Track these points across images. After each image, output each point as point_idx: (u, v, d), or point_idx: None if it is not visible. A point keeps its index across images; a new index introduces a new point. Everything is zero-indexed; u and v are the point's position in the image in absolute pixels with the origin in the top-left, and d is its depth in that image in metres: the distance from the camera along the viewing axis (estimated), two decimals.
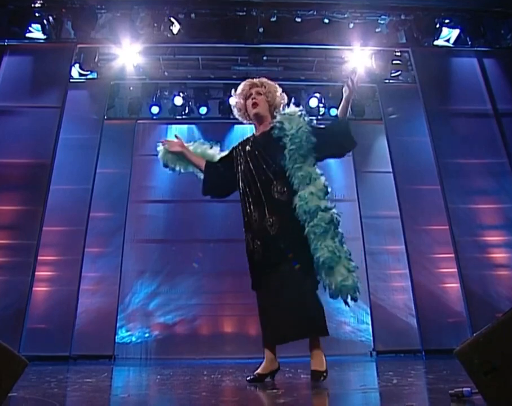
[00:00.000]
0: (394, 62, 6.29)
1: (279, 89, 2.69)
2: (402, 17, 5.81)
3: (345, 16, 5.72)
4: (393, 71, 6.42)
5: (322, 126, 2.58)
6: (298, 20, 5.72)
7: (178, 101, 6.98)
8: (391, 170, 5.99)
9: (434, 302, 5.39)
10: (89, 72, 6.27)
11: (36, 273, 4.82)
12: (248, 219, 2.51)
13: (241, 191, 2.55)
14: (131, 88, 7.04)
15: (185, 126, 7.22)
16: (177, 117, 7.17)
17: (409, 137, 6.10)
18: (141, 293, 6.18)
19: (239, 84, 2.74)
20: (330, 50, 6.38)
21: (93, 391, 2.25)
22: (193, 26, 5.74)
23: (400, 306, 5.99)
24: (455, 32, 5.95)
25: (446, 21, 5.86)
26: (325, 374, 2.26)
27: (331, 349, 5.83)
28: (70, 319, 5.20)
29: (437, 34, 5.89)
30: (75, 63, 5.96)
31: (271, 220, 2.38)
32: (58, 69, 5.51)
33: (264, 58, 6.22)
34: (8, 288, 4.66)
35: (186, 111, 7.14)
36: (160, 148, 2.81)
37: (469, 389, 1.52)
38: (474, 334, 1.40)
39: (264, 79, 2.68)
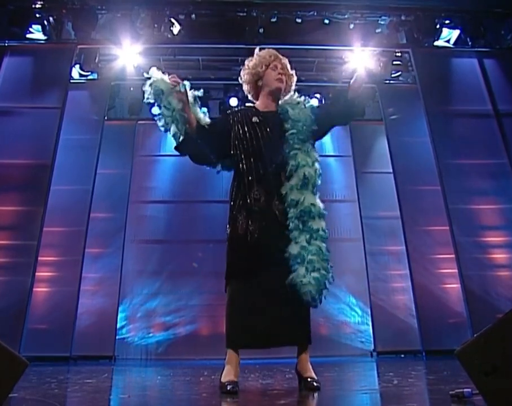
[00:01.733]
0: (394, 62, 6.29)
1: (294, 79, 2.49)
2: (403, 17, 5.82)
3: (346, 16, 5.72)
4: (393, 72, 6.42)
5: (325, 103, 2.48)
6: (298, 20, 5.73)
7: None
8: (391, 171, 5.99)
9: (434, 303, 5.38)
10: (89, 73, 6.27)
11: (36, 273, 4.83)
12: (246, 194, 2.20)
13: (243, 164, 2.25)
14: (132, 89, 7.03)
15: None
16: None
17: (410, 138, 6.10)
18: (141, 294, 6.18)
19: (239, 84, 2.62)
20: (330, 51, 6.38)
21: (93, 391, 2.25)
22: (193, 27, 5.74)
23: (401, 307, 5.99)
24: (455, 33, 5.95)
25: (447, 21, 5.86)
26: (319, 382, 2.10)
27: (331, 350, 5.88)
28: (70, 320, 5.20)
29: (437, 34, 5.89)
30: (75, 64, 5.97)
31: (280, 206, 2.19)
32: (59, 70, 5.51)
33: None
34: (8, 289, 4.66)
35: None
36: (160, 77, 2.28)
37: (469, 390, 1.52)
38: (475, 335, 1.40)
39: (287, 62, 2.46)
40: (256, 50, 2.48)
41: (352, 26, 5.74)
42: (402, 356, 5.64)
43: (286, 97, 2.45)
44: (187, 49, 6.37)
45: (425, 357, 5.15)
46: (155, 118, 2.33)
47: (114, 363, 5.35)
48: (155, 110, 2.36)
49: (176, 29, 5.59)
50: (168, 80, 2.24)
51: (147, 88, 2.28)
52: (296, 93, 2.47)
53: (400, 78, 6.56)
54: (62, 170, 5.37)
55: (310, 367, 2.15)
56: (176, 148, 2.32)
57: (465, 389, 1.54)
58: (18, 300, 4.61)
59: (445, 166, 5.31)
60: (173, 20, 5.58)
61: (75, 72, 6.16)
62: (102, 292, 5.86)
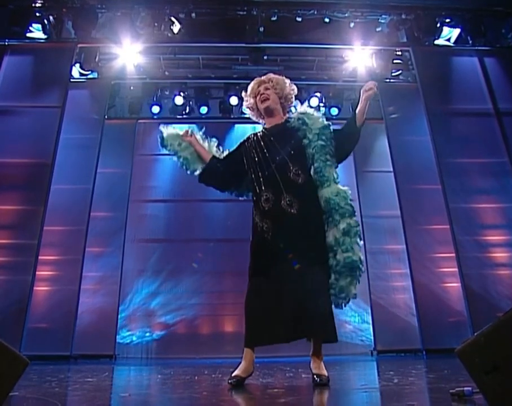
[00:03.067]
0: (395, 61, 6.28)
1: (288, 81, 2.67)
2: (403, 16, 5.81)
3: (346, 15, 5.72)
4: (393, 71, 6.42)
5: (338, 130, 2.56)
6: (299, 19, 5.72)
7: (179, 100, 6.98)
8: (391, 169, 5.99)
9: (435, 301, 5.38)
10: (89, 72, 6.27)
11: (37, 272, 4.83)
12: (257, 199, 2.40)
13: (253, 176, 2.47)
14: (132, 88, 7.03)
15: (186, 126, 7.20)
16: (178, 117, 7.17)
17: (410, 137, 6.09)
18: (141, 293, 6.18)
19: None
20: (330, 49, 6.38)
21: (94, 390, 2.26)
22: (193, 26, 5.74)
23: (401, 305, 5.99)
24: (456, 32, 5.95)
25: (447, 20, 5.85)
26: (328, 379, 2.19)
27: (332, 349, 5.84)
28: (71, 318, 5.20)
29: (437, 33, 5.89)
30: (75, 63, 5.96)
31: (288, 199, 2.31)
32: (59, 69, 5.51)
33: (265, 57, 6.22)
34: (9, 288, 4.66)
35: (187, 110, 7.14)
36: (168, 130, 2.81)
37: (470, 388, 1.52)
38: (475, 334, 1.40)
39: (270, 75, 2.68)
40: (243, 93, 2.74)
41: (352, 24, 5.73)
42: (403, 354, 5.65)
43: (300, 108, 2.63)
44: (187, 48, 6.37)
45: (425, 355, 5.15)
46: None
47: (115, 362, 5.36)
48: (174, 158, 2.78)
49: (176, 27, 5.59)
50: (177, 132, 2.75)
51: (160, 140, 2.83)
52: (304, 105, 2.66)
53: (401, 77, 6.55)
54: (63, 169, 5.37)
55: (322, 364, 2.23)
56: (199, 181, 2.68)
57: (465, 388, 1.54)
58: (19, 299, 4.61)
59: (446, 165, 5.31)
60: (173, 19, 5.58)
61: (76, 71, 6.16)
62: (102, 292, 5.86)
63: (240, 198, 2.73)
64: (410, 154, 5.98)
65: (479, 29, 5.82)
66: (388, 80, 6.51)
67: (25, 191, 5.01)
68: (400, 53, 6.27)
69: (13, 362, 1.43)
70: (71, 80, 5.81)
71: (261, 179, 2.41)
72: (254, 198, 2.44)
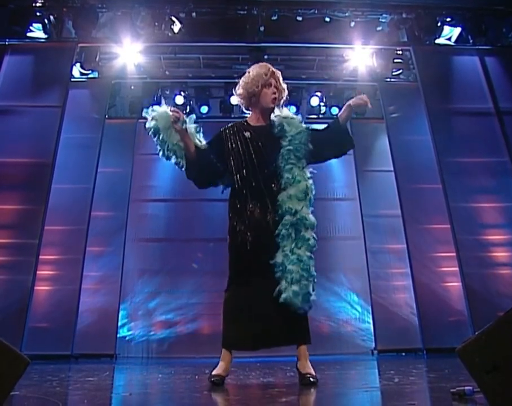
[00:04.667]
0: (395, 60, 6.27)
1: (286, 92, 2.59)
2: (404, 15, 5.80)
3: (346, 14, 5.71)
4: (394, 70, 6.41)
5: (319, 129, 2.55)
6: (299, 18, 5.71)
7: (179, 100, 6.97)
8: (392, 169, 5.98)
9: (435, 301, 5.38)
10: (90, 71, 6.27)
11: (37, 272, 4.83)
12: (242, 208, 2.35)
13: (238, 178, 2.39)
14: (132, 87, 7.03)
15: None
16: None
17: (410, 136, 6.09)
18: (142, 292, 6.19)
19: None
20: (331, 49, 6.37)
21: (95, 389, 2.26)
22: (194, 25, 5.73)
23: (401, 305, 5.99)
24: (456, 31, 5.94)
25: (448, 19, 5.84)
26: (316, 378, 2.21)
27: (332, 348, 5.88)
28: (71, 318, 5.21)
29: (438, 32, 5.88)
30: (76, 62, 5.96)
31: (274, 217, 2.30)
32: (59, 68, 5.51)
33: (265, 57, 6.20)
34: (9, 288, 4.67)
35: (187, 110, 7.12)
36: (161, 112, 2.45)
37: (471, 388, 1.52)
38: (476, 333, 1.40)
39: (279, 75, 2.56)
40: (252, 67, 2.61)
41: (352, 24, 5.72)
42: (403, 354, 5.64)
43: (278, 112, 2.54)
44: (188, 47, 6.37)
45: (426, 355, 5.15)
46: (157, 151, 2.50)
47: (115, 362, 5.36)
48: (155, 143, 2.50)
49: (176, 27, 5.59)
50: (169, 113, 2.39)
51: (148, 122, 2.45)
52: (287, 108, 2.60)
53: (401, 76, 6.54)
54: (63, 168, 5.37)
55: (309, 364, 2.24)
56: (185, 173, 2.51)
57: (466, 387, 1.54)
58: (20, 298, 4.62)
59: (446, 164, 5.30)
60: (173, 18, 5.57)
61: (76, 71, 6.16)
62: (103, 291, 5.86)
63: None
64: (410, 154, 5.97)
65: (479, 28, 5.81)
66: (388, 79, 6.50)
67: (26, 191, 5.01)
68: (400, 52, 6.26)
69: (14, 361, 1.43)
70: (72, 79, 5.80)
71: (248, 188, 2.36)
72: (235, 203, 2.39)
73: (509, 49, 5.87)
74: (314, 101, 6.95)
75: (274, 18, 5.69)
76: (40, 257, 4.87)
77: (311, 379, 2.16)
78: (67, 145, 5.49)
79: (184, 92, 7.01)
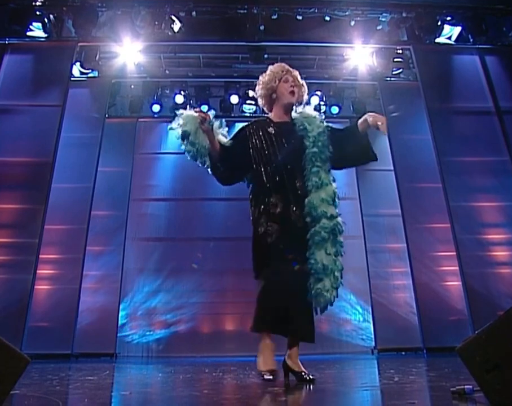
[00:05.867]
0: (395, 60, 6.27)
1: (306, 90, 2.61)
2: (404, 14, 5.80)
3: (347, 13, 5.70)
4: (394, 69, 6.40)
5: (337, 129, 2.56)
6: (299, 17, 5.71)
7: (179, 99, 6.96)
8: (392, 168, 5.98)
9: (435, 300, 5.39)
10: (90, 70, 6.26)
11: (38, 271, 4.84)
12: (265, 202, 2.37)
13: (262, 173, 2.41)
14: (132, 87, 7.03)
15: None
16: None
17: (411, 135, 6.08)
18: (142, 291, 6.19)
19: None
20: (331, 48, 6.37)
21: (95, 388, 2.26)
22: (194, 24, 5.73)
23: (401, 304, 5.99)
24: (456, 30, 5.93)
25: (448, 18, 5.84)
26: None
27: (332, 347, 5.88)
28: (71, 317, 5.21)
29: (438, 31, 5.87)
30: (76, 61, 5.96)
31: (297, 212, 2.33)
32: (59, 68, 5.51)
33: (265, 56, 6.20)
34: (10, 287, 4.67)
35: (188, 109, 7.12)
36: (188, 115, 2.45)
37: (471, 386, 1.52)
38: (476, 332, 1.40)
39: (297, 74, 2.60)
40: (270, 67, 2.62)
41: (352, 23, 5.72)
42: (403, 353, 5.65)
43: (300, 109, 2.57)
44: (188, 46, 6.37)
45: (426, 354, 5.15)
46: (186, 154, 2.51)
47: (116, 361, 5.37)
48: (182, 146, 2.51)
49: (176, 26, 5.58)
50: (196, 115, 2.39)
51: (175, 126, 2.47)
52: (309, 106, 2.61)
53: (401, 75, 6.54)
54: (63, 167, 5.38)
55: (299, 362, 2.30)
56: (209, 169, 2.52)
57: (466, 386, 1.54)
58: (20, 298, 4.62)
59: (446, 164, 5.30)
60: (173, 17, 5.57)
61: (76, 70, 6.15)
62: (103, 290, 5.87)
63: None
64: (410, 153, 5.97)
65: (480, 27, 5.80)
66: (388, 78, 6.50)
67: (26, 190, 5.01)
68: (400, 51, 6.26)
69: (14, 360, 1.43)
70: (72, 79, 5.80)
71: (271, 182, 2.38)
72: (260, 198, 2.40)
73: (509, 48, 5.86)
74: (314, 101, 6.95)
75: (274, 17, 5.69)
76: (40, 256, 4.87)
77: (310, 376, 2.23)
78: (68, 144, 5.50)
79: (184, 91, 7.00)
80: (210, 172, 2.53)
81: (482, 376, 1.34)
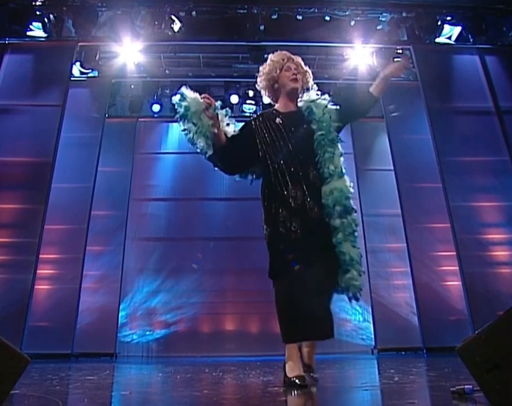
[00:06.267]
0: (395, 59, 6.26)
1: (311, 75, 2.52)
2: (404, 14, 5.80)
3: (347, 13, 5.71)
4: None
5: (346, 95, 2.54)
6: (299, 17, 5.71)
7: None
8: (392, 168, 5.98)
9: (435, 300, 5.39)
10: (90, 70, 6.27)
11: (38, 271, 4.84)
12: (283, 194, 2.26)
13: (274, 165, 2.31)
14: (132, 87, 7.03)
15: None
16: None
17: (411, 135, 6.08)
18: (142, 291, 6.19)
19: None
20: (331, 48, 6.37)
21: (95, 388, 2.26)
22: (193, 24, 5.73)
23: (401, 304, 5.99)
24: (456, 30, 5.93)
25: (448, 18, 5.84)
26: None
27: (332, 347, 5.87)
28: (71, 317, 5.21)
29: (438, 31, 5.87)
30: (76, 61, 5.96)
31: (311, 202, 2.25)
32: (59, 68, 5.51)
33: (265, 56, 6.17)
34: (10, 287, 4.67)
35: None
36: (190, 93, 2.36)
37: (471, 386, 1.52)
38: (476, 332, 1.40)
39: (299, 59, 2.51)
40: (270, 55, 2.52)
41: (352, 23, 5.72)
42: (403, 353, 5.65)
43: (306, 96, 2.48)
44: (188, 46, 6.37)
45: (426, 354, 5.15)
46: (183, 132, 2.37)
47: (115, 361, 5.37)
48: (181, 125, 2.38)
49: (176, 26, 5.58)
50: (200, 100, 2.31)
51: (176, 100, 2.34)
52: (315, 89, 2.50)
53: (401, 75, 6.54)
54: (63, 167, 5.38)
55: (313, 358, 2.34)
56: (209, 159, 2.40)
57: (466, 386, 1.54)
58: (20, 297, 4.62)
59: (446, 163, 5.30)
60: (173, 17, 5.57)
61: (76, 70, 6.16)
62: (103, 290, 5.87)
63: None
64: (410, 153, 5.97)
65: (480, 27, 5.80)
66: None
67: (26, 190, 5.01)
68: (400, 51, 6.26)
69: (14, 360, 1.43)
70: (72, 78, 5.80)
71: (286, 174, 2.28)
72: (277, 191, 2.27)
73: (509, 48, 5.86)
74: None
75: (274, 17, 5.69)
76: (40, 256, 4.87)
77: (314, 375, 2.27)
78: (67, 144, 5.50)
79: None
80: (208, 160, 2.40)
81: (482, 376, 1.34)
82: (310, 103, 2.43)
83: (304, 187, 2.27)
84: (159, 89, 7.07)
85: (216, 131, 2.31)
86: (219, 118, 2.35)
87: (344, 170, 2.36)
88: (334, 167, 2.30)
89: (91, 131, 6.03)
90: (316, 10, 5.70)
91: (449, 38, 6.01)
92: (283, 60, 2.46)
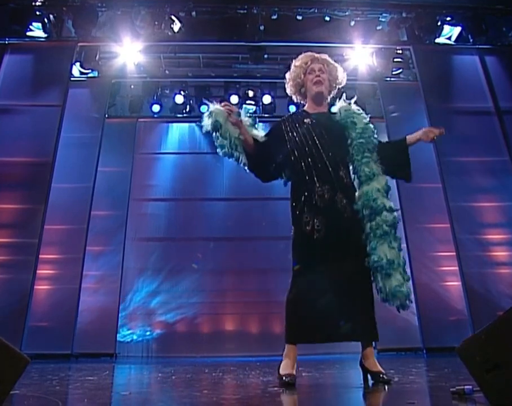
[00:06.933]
0: (395, 60, 6.27)
1: (341, 69, 2.52)
2: (404, 14, 5.80)
3: (346, 13, 5.71)
4: (394, 69, 6.41)
5: (383, 142, 2.53)
6: (299, 17, 5.71)
7: (179, 99, 6.97)
8: None
9: (435, 300, 5.38)
10: (90, 70, 6.27)
11: (37, 271, 4.84)
12: (310, 193, 2.24)
13: (302, 164, 2.29)
14: (132, 87, 7.03)
15: (186, 124, 7.22)
16: (178, 115, 7.16)
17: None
18: (142, 291, 6.19)
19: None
20: (331, 48, 6.33)
21: (95, 388, 2.26)
22: (193, 24, 5.73)
23: None
24: (456, 30, 5.94)
25: (448, 18, 5.84)
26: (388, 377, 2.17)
27: (332, 347, 5.83)
28: (71, 317, 5.21)
29: (438, 31, 5.88)
30: (76, 61, 5.96)
31: (343, 201, 2.23)
32: (59, 68, 5.51)
33: (265, 56, 6.21)
34: (10, 287, 4.67)
35: (187, 109, 7.13)
36: (216, 107, 2.38)
37: (470, 387, 1.52)
38: (475, 332, 1.40)
39: (325, 56, 2.50)
40: (294, 61, 2.52)
41: (352, 23, 5.72)
42: (403, 353, 5.65)
43: (344, 103, 2.48)
44: (188, 46, 6.37)
45: (426, 354, 5.15)
46: (218, 150, 2.40)
47: (115, 361, 5.36)
48: (215, 141, 2.42)
49: (176, 26, 5.58)
50: (222, 109, 2.34)
51: (206, 120, 2.38)
52: (352, 102, 2.51)
53: (401, 76, 6.54)
54: (63, 167, 5.37)
55: (376, 361, 2.24)
56: (249, 170, 2.44)
57: (466, 386, 1.54)
58: (20, 298, 4.62)
59: (446, 164, 5.30)
60: (173, 18, 5.57)
61: (76, 70, 6.16)
62: (103, 290, 5.86)
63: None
64: (410, 153, 5.94)
65: (479, 27, 5.80)
66: (388, 78, 6.50)
67: (26, 190, 5.01)
68: (400, 51, 6.26)
69: (14, 360, 1.43)
70: (72, 79, 5.81)
71: (314, 172, 2.26)
72: (304, 190, 2.27)
73: (509, 48, 5.86)
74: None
75: (274, 17, 5.69)
76: (40, 256, 4.87)
77: (385, 377, 2.14)
78: (67, 144, 5.49)
79: (184, 91, 7.01)
80: (246, 169, 2.43)
81: (482, 376, 1.34)
82: (352, 114, 2.43)
83: (335, 184, 2.26)
84: (159, 89, 7.07)
85: (242, 137, 2.33)
86: (243, 123, 2.37)
87: (379, 172, 2.34)
88: (368, 170, 2.30)
89: (90, 131, 6.03)
90: (316, 11, 5.71)
91: (449, 38, 6.02)
92: (306, 63, 2.47)
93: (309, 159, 2.29)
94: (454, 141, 5.39)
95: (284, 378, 2.09)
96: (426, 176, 5.72)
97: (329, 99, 2.51)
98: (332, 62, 2.51)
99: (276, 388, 2.01)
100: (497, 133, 5.50)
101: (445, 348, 4.62)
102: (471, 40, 5.94)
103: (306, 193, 2.25)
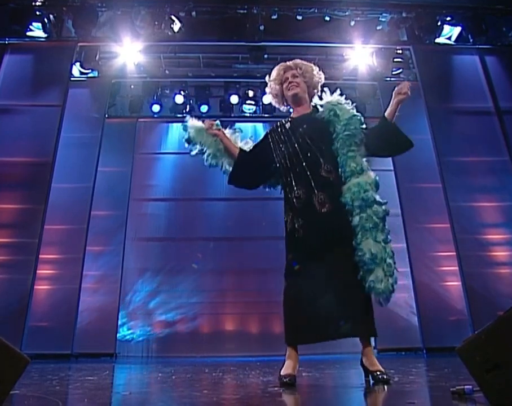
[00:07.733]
0: (395, 60, 6.27)
1: (316, 68, 2.57)
2: (404, 14, 5.80)
3: (346, 13, 5.71)
4: (394, 69, 6.41)
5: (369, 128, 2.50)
6: (299, 17, 5.72)
7: (179, 99, 6.97)
8: (392, 168, 5.98)
9: (435, 300, 5.38)
10: (90, 70, 6.27)
11: (37, 271, 4.84)
12: (290, 196, 2.32)
13: (283, 168, 2.40)
14: (132, 87, 7.04)
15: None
16: (178, 115, 7.16)
17: (410, 135, 6.04)
18: (142, 291, 6.19)
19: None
20: (331, 48, 6.37)
21: (95, 388, 2.26)
22: (193, 24, 5.74)
23: (401, 304, 5.98)
24: (456, 30, 5.94)
25: (448, 18, 5.84)
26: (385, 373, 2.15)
27: (332, 347, 5.85)
28: (71, 317, 5.21)
29: (438, 31, 5.88)
30: (76, 61, 5.97)
31: (321, 197, 2.24)
32: (59, 68, 5.51)
33: (265, 56, 6.21)
34: (9, 287, 4.67)
35: (187, 109, 7.14)
36: (193, 121, 2.58)
37: (470, 387, 1.52)
38: (475, 332, 1.40)
39: (298, 61, 2.58)
40: (268, 77, 2.64)
41: (352, 23, 5.72)
42: (403, 353, 5.65)
43: (329, 97, 2.50)
44: (188, 46, 6.37)
45: (426, 354, 5.15)
46: (206, 163, 2.57)
47: (115, 361, 5.36)
48: (192, 151, 2.60)
49: (176, 26, 5.59)
50: (198, 124, 2.56)
51: (185, 134, 2.59)
52: (336, 93, 2.54)
53: (401, 76, 6.54)
54: (63, 167, 5.38)
55: (376, 360, 2.21)
56: (229, 182, 2.58)
57: (466, 386, 1.54)
58: (20, 298, 4.62)
59: (446, 164, 5.30)
60: (173, 18, 5.57)
61: (76, 70, 6.16)
62: (103, 290, 5.86)
63: (267, 189, 2.62)
64: (410, 153, 5.90)
65: (479, 27, 5.81)
66: (388, 78, 6.50)
67: (26, 190, 5.01)
68: (400, 51, 6.26)
69: (14, 360, 1.43)
70: (72, 79, 5.81)
71: (292, 175, 2.34)
72: (285, 194, 2.38)
73: (509, 48, 5.87)
74: (314, 100, 6.94)
75: (274, 17, 5.69)
76: (40, 256, 4.87)
77: (384, 377, 2.11)
78: (67, 144, 5.50)
79: (184, 91, 7.01)
80: (227, 180, 2.55)
81: (482, 376, 1.34)
82: (333, 105, 2.45)
83: (312, 183, 2.28)
84: (159, 89, 7.07)
85: (221, 146, 2.50)
86: (225, 134, 2.53)
87: (367, 167, 2.36)
88: (355, 165, 2.31)
89: (91, 131, 6.03)
90: (316, 11, 5.71)
91: (449, 38, 6.02)
92: (279, 75, 2.57)
93: (288, 163, 2.38)
94: (454, 141, 5.40)
95: (284, 378, 2.11)
96: (426, 176, 5.73)
97: (308, 99, 2.55)
98: (306, 63, 2.57)
99: (276, 388, 2.01)
100: (497, 133, 5.51)
101: (445, 348, 4.62)
102: (471, 40, 5.94)
103: (289, 196, 2.34)
